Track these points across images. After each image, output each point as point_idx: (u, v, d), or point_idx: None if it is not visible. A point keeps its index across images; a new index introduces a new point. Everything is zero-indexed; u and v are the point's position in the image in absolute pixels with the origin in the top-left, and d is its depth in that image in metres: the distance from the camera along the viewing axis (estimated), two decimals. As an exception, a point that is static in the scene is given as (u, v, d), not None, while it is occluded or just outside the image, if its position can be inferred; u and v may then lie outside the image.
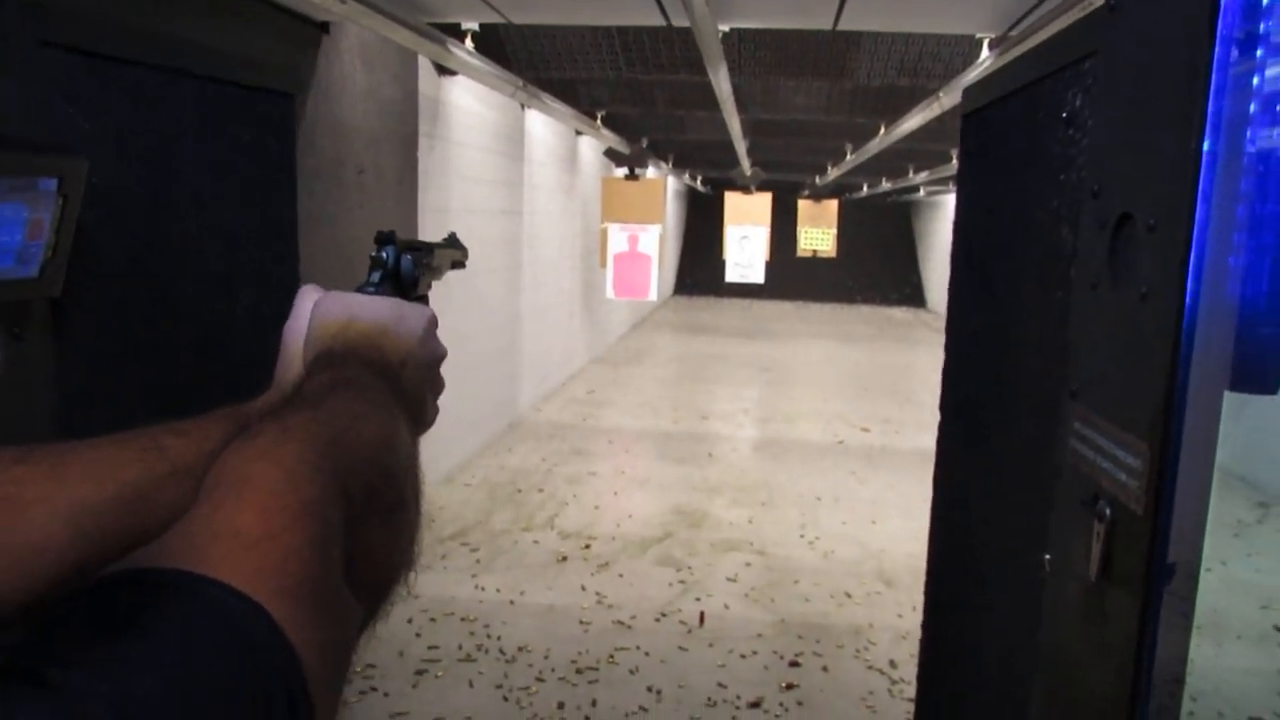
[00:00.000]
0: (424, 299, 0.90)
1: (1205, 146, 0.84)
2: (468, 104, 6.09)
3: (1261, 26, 0.81)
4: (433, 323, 0.84)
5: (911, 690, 2.71)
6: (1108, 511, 0.98)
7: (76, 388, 1.43)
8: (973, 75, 4.23)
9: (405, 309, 0.81)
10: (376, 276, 0.85)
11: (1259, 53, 0.81)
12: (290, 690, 0.43)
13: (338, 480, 0.55)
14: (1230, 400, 0.91)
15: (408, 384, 0.78)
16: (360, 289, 0.83)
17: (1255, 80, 0.82)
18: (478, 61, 4.74)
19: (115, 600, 0.43)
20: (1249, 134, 0.83)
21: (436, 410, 0.86)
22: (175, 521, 0.58)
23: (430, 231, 5.35)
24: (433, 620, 4.10)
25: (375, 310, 0.79)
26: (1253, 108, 0.82)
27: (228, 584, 0.44)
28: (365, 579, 0.57)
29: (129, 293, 1.54)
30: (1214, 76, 0.83)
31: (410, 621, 4.05)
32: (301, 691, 0.43)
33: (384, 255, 0.85)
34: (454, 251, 1.03)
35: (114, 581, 0.44)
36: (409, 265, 0.87)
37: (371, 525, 0.60)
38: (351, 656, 0.54)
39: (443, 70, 5.44)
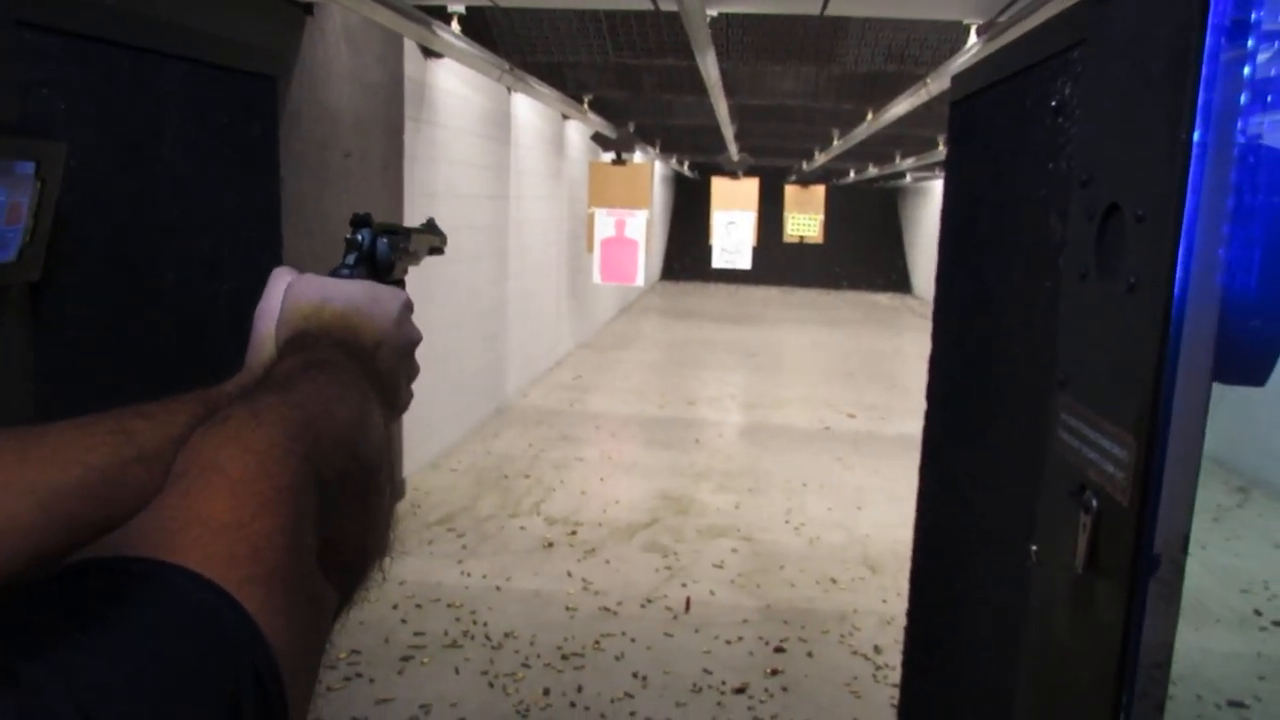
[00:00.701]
0: (400, 283, 0.89)
1: (1195, 137, 0.84)
2: (454, 87, 6.05)
3: (1253, 15, 0.81)
4: (408, 306, 0.82)
5: (896, 675, 2.72)
6: (1094, 503, 0.98)
7: (55, 372, 1.42)
8: (960, 61, 4.23)
9: (380, 291, 0.80)
10: (351, 259, 0.83)
11: (1250, 42, 0.81)
12: (260, 677, 0.42)
13: (310, 464, 0.54)
14: (1213, 387, 0.91)
15: (382, 367, 0.77)
16: (335, 272, 0.82)
17: (1246, 70, 0.82)
18: (464, 44, 4.70)
19: (80, 590, 0.42)
20: (1239, 125, 0.82)
21: (410, 395, 0.85)
22: (142, 506, 0.56)
23: (416, 216, 5.32)
24: (418, 606, 4.10)
25: (349, 292, 0.78)
26: (1243, 98, 0.82)
27: (195, 572, 0.43)
28: (339, 564, 0.57)
29: (109, 277, 1.52)
30: (1204, 66, 0.83)
31: (396, 608, 4.05)
32: (273, 678, 0.43)
33: (359, 238, 0.84)
34: (432, 237, 1.02)
35: (78, 570, 0.43)
36: (385, 249, 0.85)
37: (345, 510, 0.59)
38: (325, 643, 0.53)
39: (429, 53, 5.39)
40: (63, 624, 0.39)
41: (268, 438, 0.54)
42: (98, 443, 0.63)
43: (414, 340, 0.84)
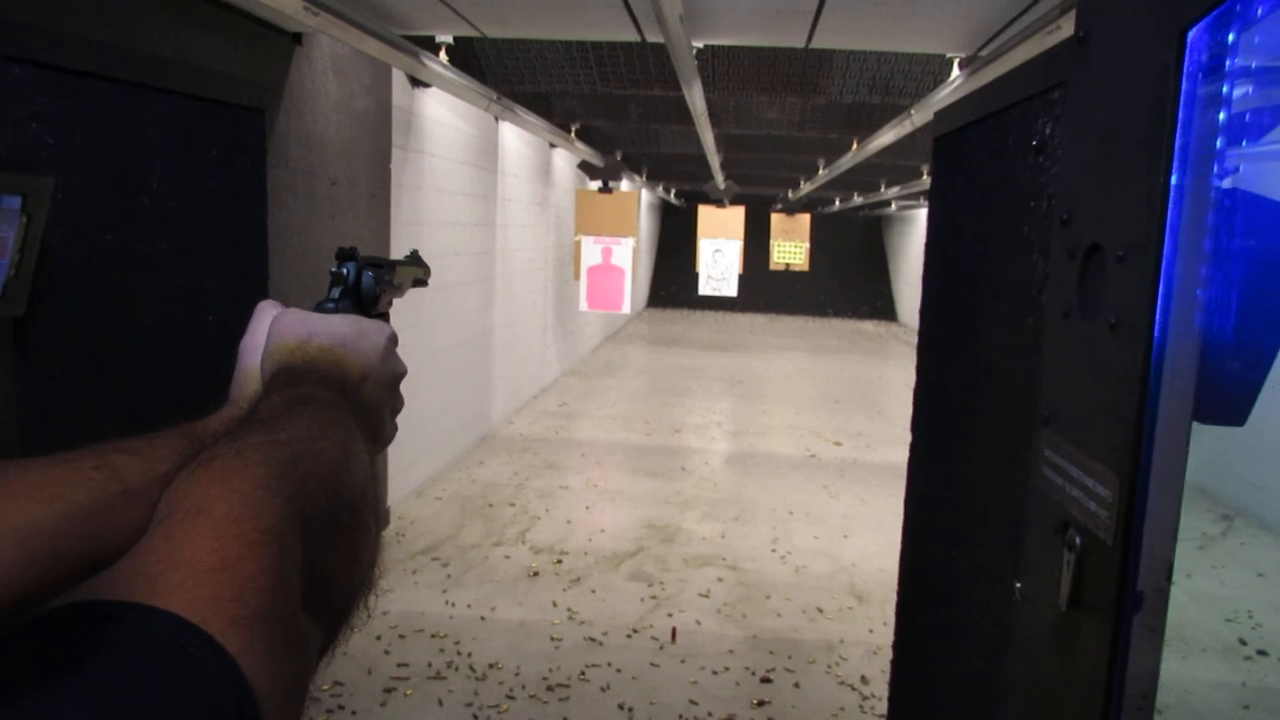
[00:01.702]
0: (384, 316, 0.89)
1: (1173, 180, 0.85)
2: (441, 116, 6.08)
3: (1227, 62, 0.83)
4: (393, 340, 0.82)
5: (883, 706, 2.71)
6: (1078, 540, 0.98)
7: (39, 406, 1.41)
8: (943, 94, 4.28)
9: (365, 325, 0.80)
10: (336, 293, 0.83)
11: (1224, 88, 0.82)
12: None
13: (295, 504, 0.54)
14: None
15: (367, 401, 0.77)
16: (320, 306, 0.82)
17: (1221, 115, 0.83)
18: (451, 74, 4.72)
19: (58, 635, 0.42)
20: (1215, 168, 0.84)
21: (395, 428, 0.85)
22: (127, 544, 0.56)
23: (402, 244, 5.32)
24: (402, 637, 4.06)
25: (334, 327, 0.78)
26: (1219, 142, 0.83)
27: (177, 615, 0.43)
28: (324, 604, 0.56)
29: (95, 310, 1.51)
30: (1180, 110, 0.84)
31: (379, 638, 4.01)
32: None
33: (345, 271, 0.84)
34: (416, 269, 1.02)
35: (57, 616, 0.43)
36: (370, 282, 0.86)
37: (330, 549, 0.59)
38: (308, 685, 0.53)
39: (416, 82, 5.42)
40: (40, 671, 0.38)
41: (253, 478, 0.53)
42: (81, 479, 0.62)
43: (399, 374, 0.83)
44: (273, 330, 0.78)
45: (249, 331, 0.83)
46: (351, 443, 0.68)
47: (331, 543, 0.59)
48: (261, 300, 0.87)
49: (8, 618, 0.53)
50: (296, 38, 3.87)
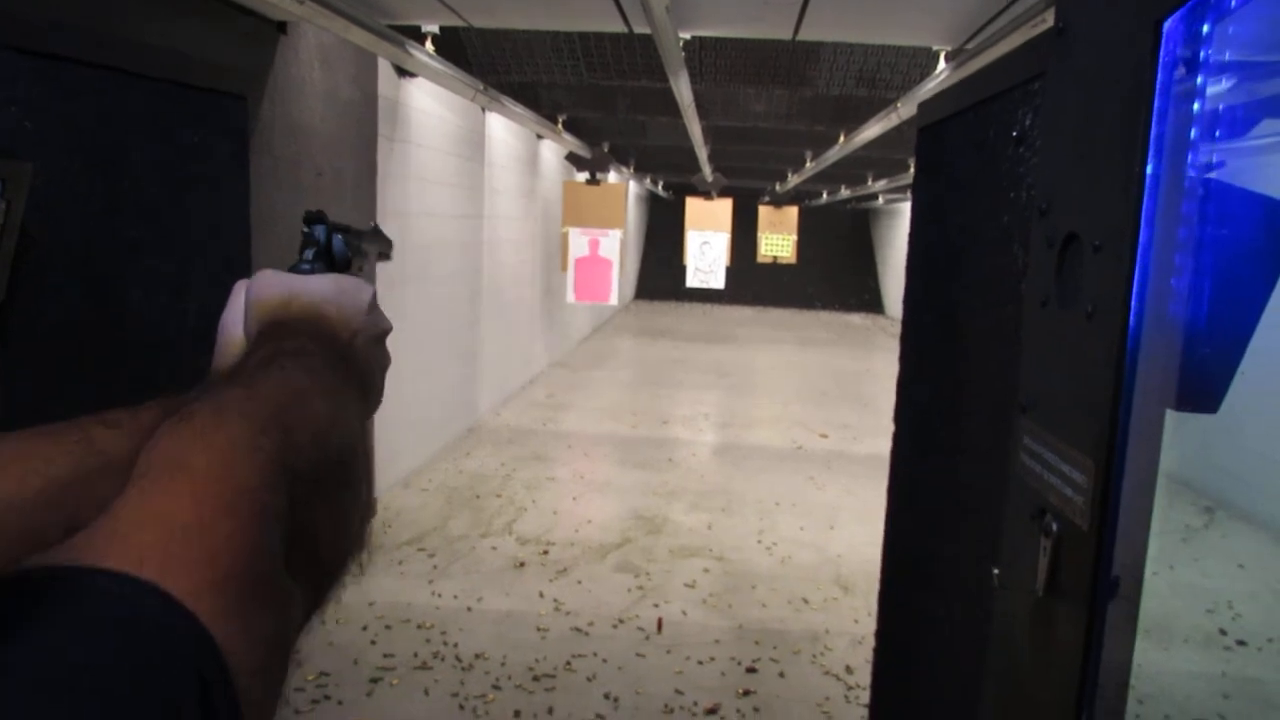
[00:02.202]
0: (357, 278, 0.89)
1: (1148, 169, 0.86)
2: (428, 106, 6.06)
3: (1202, 53, 0.83)
4: (375, 296, 0.81)
5: (867, 696, 2.73)
6: (1054, 526, 0.99)
7: (21, 393, 1.40)
8: (930, 87, 4.29)
9: (346, 283, 0.78)
10: (310, 254, 0.82)
11: (1199, 79, 0.83)
12: (207, 687, 0.40)
13: (279, 459, 0.52)
14: (1176, 410, 0.93)
15: (358, 357, 0.76)
16: (295, 267, 0.81)
17: (1196, 105, 0.84)
18: (438, 64, 4.71)
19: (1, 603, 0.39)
20: (1189, 158, 0.84)
21: (383, 386, 0.84)
22: None
23: (389, 233, 5.30)
24: (388, 627, 4.06)
25: (316, 285, 0.76)
26: (1193, 132, 0.84)
27: (136, 577, 0.41)
28: (311, 561, 0.55)
29: (76, 297, 1.51)
30: (1156, 101, 0.85)
31: (365, 629, 4.01)
32: (221, 684, 0.41)
33: (315, 234, 0.83)
34: (380, 242, 1.02)
35: (5, 582, 0.41)
36: (340, 245, 0.85)
37: (316, 506, 0.57)
38: (292, 646, 0.51)
39: (402, 72, 5.40)
40: None
41: (233, 432, 0.52)
42: (60, 452, 0.61)
43: (385, 329, 0.82)
44: (252, 293, 0.76)
45: (228, 307, 0.81)
46: (340, 395, 0.66)
47: (318, 499, 0.57)
48: (237, 281, 0.86)
49: None
50: (281, 26, 3.85)
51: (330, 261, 0.84)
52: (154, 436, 0.52)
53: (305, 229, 0.84)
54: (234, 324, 0.79)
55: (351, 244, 0.88)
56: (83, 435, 0.63)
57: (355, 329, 0.76)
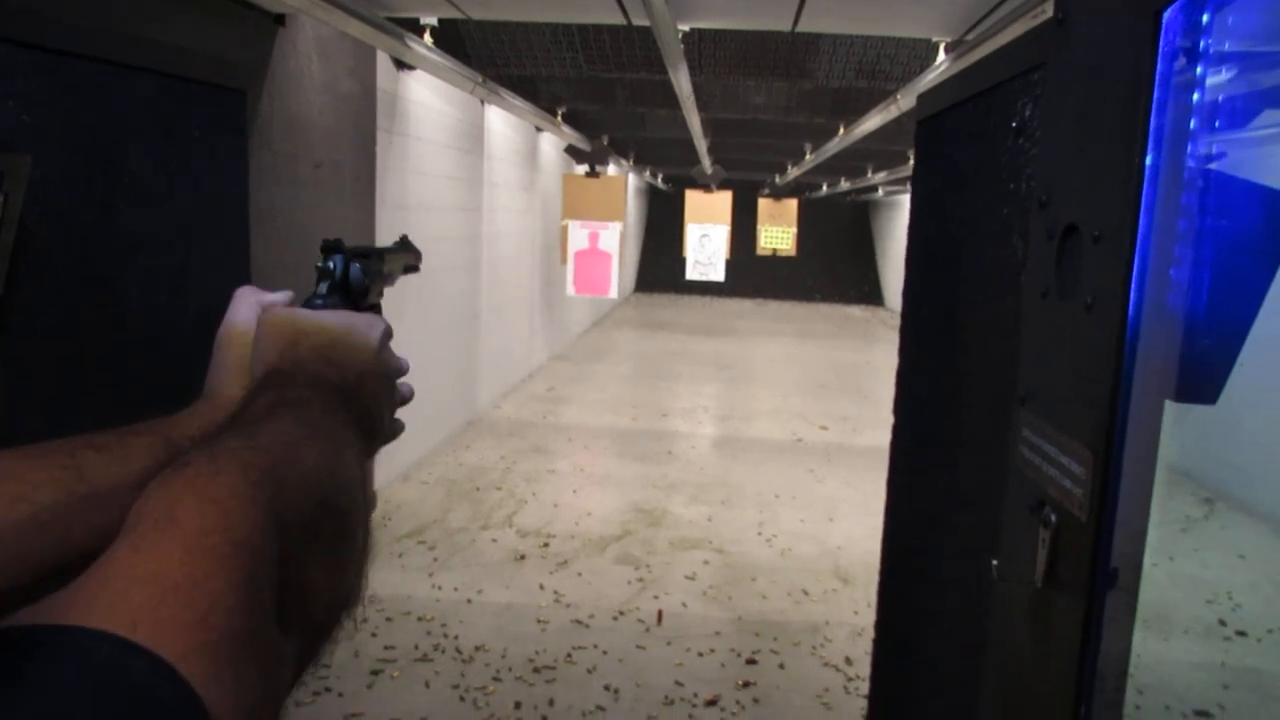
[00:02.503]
0: (376, 308, 0.86)
1: (1148, 160, 0.86)
2: (427, 99, 6.05)
3: (1201, 43, 0.83)
4: (387, 334, 0.79)
5: (867, 687, 2.74)
6: (1053, 518, 0.99)
7: (18, 390, 1.40)
8: (930, 78, 4.28)
9: (356, 321, 0.77)
10: (324, 288, 0.80)
11: (1199, 69, 0.83)
12: None
13: (272, 513, 0.51)
14: (1176, 402, 0.93)
15: (365, 400, 0.74)
16: (308, 302, 0.79)
17: (1195, 95, 0.84)
18: (436, 57, 4.70)
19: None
20: (1189, 148, 0.84)
21: (399, 425, 0.82)
22: (97, 545, 0.53)
23: (388, 228, 5.30)
24: (389, 620, 4.07)
25: (324, 325, 0.75)
26: (1193, 123, 0.84)
27: (129, 640, 0.40)
28: (302, 617, 0.54)
29: (74, 292, 1.51)
30: (1155, 91, 0.85)
31: (366, 621, 4.02)
32: None
33: (331, 265, 0.81)
34: (406, 255, 0.99)
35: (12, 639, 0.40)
36: (358, 274, 0.82)
37: (311, 560, 0.56)
38: (282, 703, 0.50)
39: (401, 65, 5.39)
40: None
41: (227, 486, 0.51)
42: (47, 479, 0.61)
43: (395, 369, 0.80)
44: (260, 330, 0.75)
45: (226, 320, 0.80)
46: (338, 447, 0.65)
47: (312, 553, 0.56)
48: (241, 286, 0.85)
49: None
50: (279, 19, 3.84)
51: (346, 292, 0.82)
52: (149, 486, 0.51)
53: (320, 262, 0.82)
54: (229, 340, 0.78)
55: (370, 270, 0.85)
56: (71, 461, 0.62)
57: (361, 371, 0.75)
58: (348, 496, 0.62)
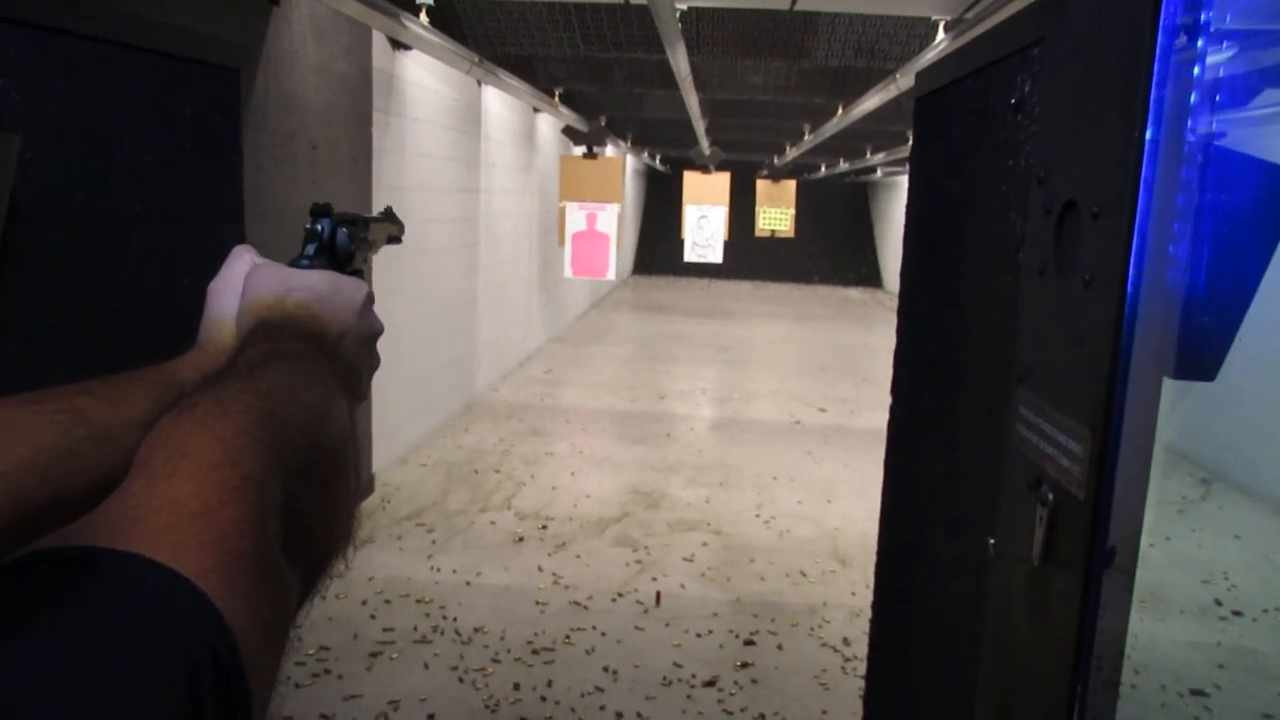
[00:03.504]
0: (359, 273, 0.89)
1: (1147, 135, 0.85)
2: (423, 80, 6.01)
3: (1202, 16, 0.82)
4: (370, 298, 0.83)
5: (864, 667, 2.75)
6: (1050, 496, 0.99)
7: (10, 371, 1.39)
8: (928, 57, 4.26)
9: (342, 282, 0.80)
10: (311, 249, 0.83)
11: (1199, 43, 0.82)
12: (219, 660, 0.43)
13: (275, 452, 0.55)
14: (1174, 382, 0.92)
15: (345, 357, 0.78)
16: (294, 262, 0.82)
17: (1196, 70, 0.83)
18: (433, 36, 4.67)
19: (26, 581, 0.42)
20: (1189, 123, 0.84)
21: (369, 386, 0.86)
22: (92, 488, 0.57)
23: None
24: (388, 602, 4.08)
25: (312, 283, 0.78)
26: (1193, 97, 0.83)
27: (151, 559, 0.44)
28: (303, 551, 0.57)
29: (66, 273, 1.50)
30: (1156, 66, 0.84)
31: (365, 603, 4.03)
32: (234, 665, 0.43)
33: (319, 228, 0.84)
34: (390, 226, 1.02)
35: (27, 561, 0.43)
36: (344, 239, 0.86)
37: (310, 497, 0.59)
38: (288, 631, 0.54)
39: (397, 45, 5.35)
40: (8, 613, 0.39)
41: (234, 425, 0.54)
42: (45, 422, 0.63)
43: (376, 331, 0.84)
44: (249, 284, 0.78)
45: (221, 274, 0.83)
46: (329, 394, 0.68)
47: (311, 491, 0.60)
48: (236, 245, 0.87)
49: None
50: (274, -2, 3.81)
51: (332, 255, 0.85)
52: (158, 424, 0.55)
53: (309, 224, 0.85)
54: (220, 295, 0.80)
55: (356, 236, 0.88)
56: (67, 404, 0.64)
57: (344, 329, 0.78)
58: (340, 440, 0.66)
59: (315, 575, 0.61)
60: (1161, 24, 0.83)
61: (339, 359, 0.76)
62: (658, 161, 17.42)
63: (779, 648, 3.88)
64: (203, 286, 1.83)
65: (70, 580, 0.41)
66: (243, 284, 0.78)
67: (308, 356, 0.71)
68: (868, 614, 2.53)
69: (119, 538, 0.44)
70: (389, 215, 1.03)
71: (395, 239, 1.05)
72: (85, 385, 0.67)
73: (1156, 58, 0.83)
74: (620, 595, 4.31)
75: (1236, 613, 4.32)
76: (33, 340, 1.38)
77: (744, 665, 3.71)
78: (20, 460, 0.59)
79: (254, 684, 0.45)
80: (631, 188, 17.21)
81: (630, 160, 15.46)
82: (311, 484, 0.60)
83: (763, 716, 3.35)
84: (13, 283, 1.31)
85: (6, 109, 1.29)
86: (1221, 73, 0.83)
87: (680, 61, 4.95)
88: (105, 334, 1.51)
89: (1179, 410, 0.98)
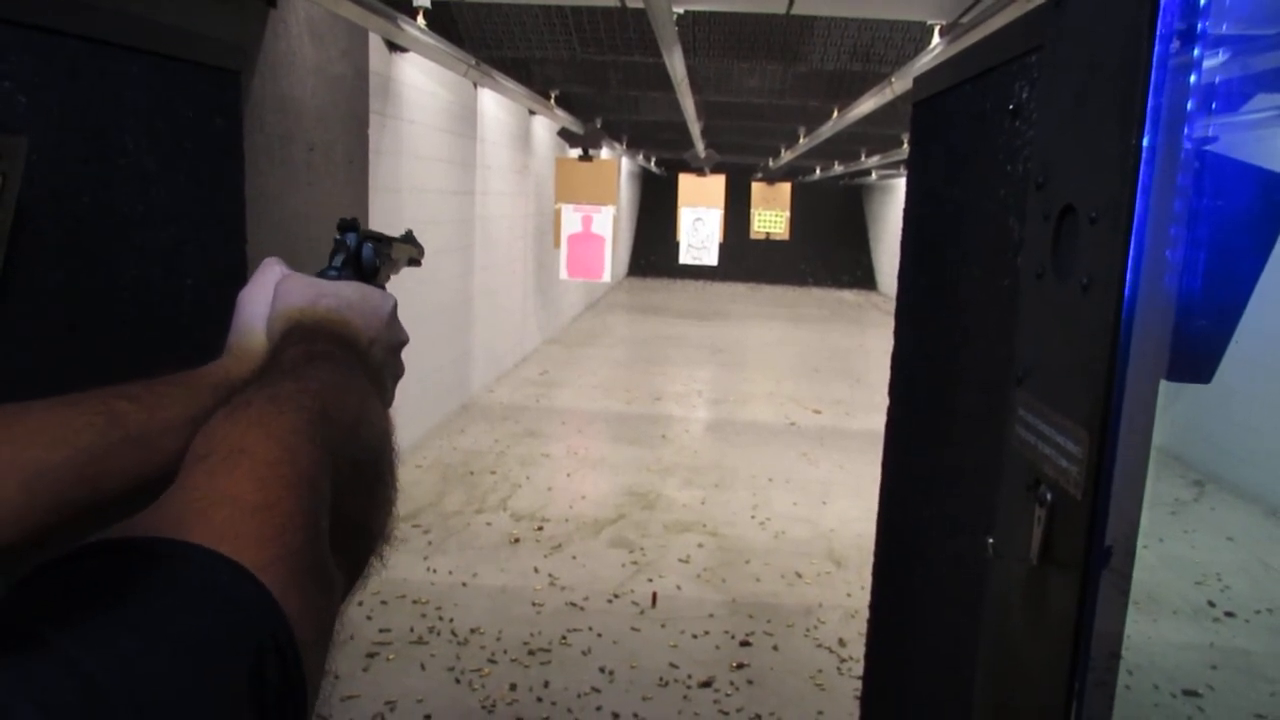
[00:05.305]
0: (382, 288, 0.92)
1: (1145, 141, 0.86)
2: (419, 82, 6.02)
3: (1199, 24, 0.84)
4: (396, 307, 0.85)
5: (860, 668, 2.76)
6: (1049, 496, 1.00)
7: (17, 370, 1.40)
8: (924, 61, 4.27)
9: (370, 292, 0.82)
10: (339, 261, 0.86)
11: (1196, 50, 0.84)
12: (281, 649, 0.44)
13: (326, 451, 0.56)
14: (1167, 385, 0.94)
15: (374, 364, 0.80)
16: (322, 273, 0.84)
17: (1192, 77, 0.84)
18: (429, 38, 4.67)
19: (106, 567, 0.43)
20: (1186, 129, 0.85)
21: (394, 395, 0.87)
22: (127, 488, 0.60)
23: (381, 210, 5.29)
24: (384, 603, 4.08)
25: (342, 291, 0.80)
26: (1190, 104, 0.84)
27: (215, 550, 0.45)
28: (346, 549, 0.58)
29: (71, 273, 1.51)
30: (1153, 72, 0.85)
31: (361, 604, 4.03)
32: (292, 655, 0.45)
33: (347, 241, 0.86)
34: (411, 248, 1.05)
35: (104, 548, 0.45)
36: (370, 254, 0.88)
37: (355, 496, 0.61)
38: (335, 622, 0.55)
39: (394, 47, 5.36)
40: (90, 599, 0.40)
41: (290, 423, 0.56)
42: (84, 424, 0.65)
43: (402, 340, 0.86)
44: (279, 292, 0.80)
45: (250, 283, 0.86)
46: (369, 397, 0.70)
47: (356, 490, 0.61)
48: (268, 257, 0.89)
49: (11, 558, 0.54)
50: (270, 0, 3.81)
51: (358, 268, 0.88)
52: (213, 421, 0.56)
53: (337, 235, 0.87)
54: (250, 304, 0.82)
55: (380, 252, 0.91)
56: (105, 407, 0.66)
57: (374, 336, 0.80)
58: (380, 441, 0.68)
59: (356, 572, 0.63)
60: (1159, 31, 0.85)
61: (369, 365, 0.78)
62: (653, 164, 17.43)
63: (775, 648, 3.89)
64: (204, 286, 1.83)
65: (143, 569, 0.43)
66: (273, 292, 0.80)
67: (345, 359, 0.73)
68: (863, 615, 2.54)
69: (183, 529, 0.46)
70: (410, 238, 1.06)
71: (415, 261, 1.08)
72: (122, 389, 0.69)
73: (1154, 65, 0.85)
74: (616, 596, 4.32)
75: (1229, 614, 4.34)
76: (40, 337, 1.38)
77: (740, 666, 3.72)
78: (60, 461, 0.61)
79: (309, 673, 0.46)
80: (627, 190, 17.21)
81: (626, 163, 15.47)
82: (356, 483, 0.61)
83: (759, 717, 3.36)
84: (19, 281, 1.32)
85: (11, 111, 1.30)
86: (1218, 79, 0.84)
87: (676, 64, 4.96)
88: (107, 333, 1.51)
89: (1172, 412, 0.99)
